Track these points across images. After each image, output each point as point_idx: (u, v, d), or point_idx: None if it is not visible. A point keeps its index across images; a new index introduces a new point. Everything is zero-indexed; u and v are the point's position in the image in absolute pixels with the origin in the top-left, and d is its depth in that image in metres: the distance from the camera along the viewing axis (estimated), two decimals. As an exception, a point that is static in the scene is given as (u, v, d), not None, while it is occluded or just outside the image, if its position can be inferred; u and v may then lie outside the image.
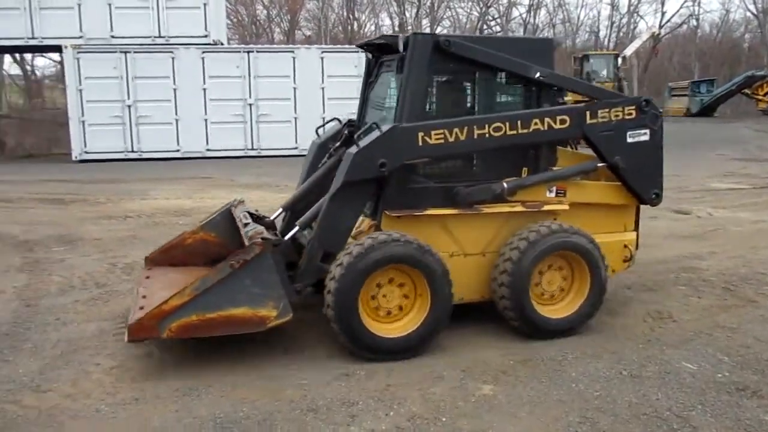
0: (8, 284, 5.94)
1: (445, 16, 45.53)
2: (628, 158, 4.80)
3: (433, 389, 3.81)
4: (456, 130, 4.40)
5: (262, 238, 4.23)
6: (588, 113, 4.71)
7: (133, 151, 16.89)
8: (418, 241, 4.24)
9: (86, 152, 16.81)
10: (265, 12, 43.09)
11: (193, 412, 3.57)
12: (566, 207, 4.74)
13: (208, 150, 16.87)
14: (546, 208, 4.70)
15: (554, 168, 4.81)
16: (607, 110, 4.74)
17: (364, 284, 4.16)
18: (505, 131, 4.49)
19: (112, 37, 16.83)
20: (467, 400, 3.68)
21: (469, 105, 4.86)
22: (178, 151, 16.83)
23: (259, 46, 20.05)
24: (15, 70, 35.17)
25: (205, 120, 16.88)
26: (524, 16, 46.36)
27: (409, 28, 40.67)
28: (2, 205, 10.41)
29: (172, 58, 16.67)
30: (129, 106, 16.71)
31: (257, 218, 5.11)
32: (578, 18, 48.44)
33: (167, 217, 9.20)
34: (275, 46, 23.93)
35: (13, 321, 5.00)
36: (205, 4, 17.01)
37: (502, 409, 3.59)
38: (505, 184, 4.55)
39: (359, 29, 42.91)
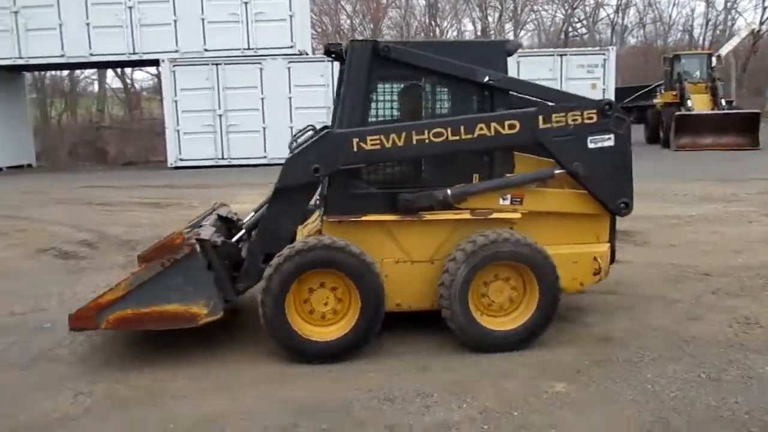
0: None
1: (528, 20, 45.02)
2: (590, 165, 4.47)
3: (506, 385, 3.88)
4: (393, 135, 4.30)
5: (197, 239, 4.38)
6: (541, 117, 4.42)
7: (223, 158, 17.72)
8: (349, 246, 4.20)
9: (180, 159, 17.81)
10: (348, 21, 44.06)
11: (276, 395, 3.82)
12: (518, 215, 4.49)
13: (293, 156, 17.43)
14: (495, 216, 4.47)
15: (508, 175, 4.57)
16: (563, 114, 4.44)
17: (291, 287, 4.19)
18: (447, 137, 4.33)
19: (205, 50, 17.75)
20: (539, 396, 3.74)
21: (417, 111, 4.69)
22: (264, 157, 17.53)
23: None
24: (116, 83, 37.61)
25: (291, 128, 17.48)
26: (612, 16, 45.16)
27: (492, 33, 40.44)
28: (106, 209, 11.26)
29: (260, 69, 17.41)
30: (220, 116, 17.57)
31: (229, 221, 5.44)
32: (670, 17, 46.59)
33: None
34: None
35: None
36: (291, 16, 17.66)
37: (574, 406, 3.62)
38: (449, 191, 4.39)
39: (441, 35, 43.07)
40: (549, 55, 18.52)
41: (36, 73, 27.30)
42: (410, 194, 4.39)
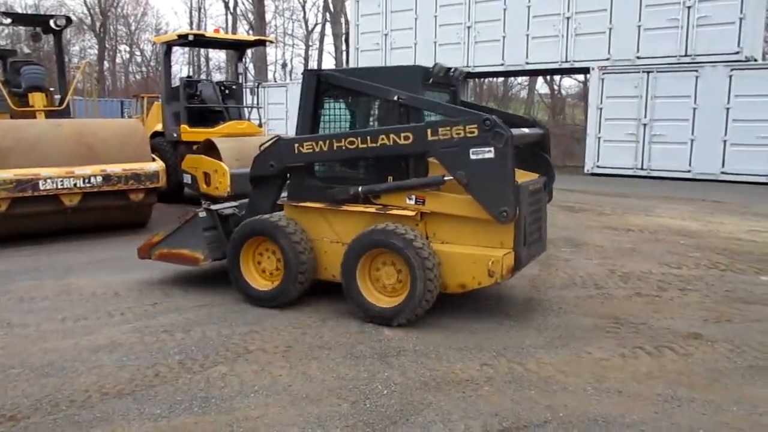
0: (525, 272, 6.97)
1: None
2: (472, 174, 4.86)
3: None
4: (320, 142, 5.44)
5: (205, 208, 6.19)
6: (429, 131, 5.00)
7: (642, 168, 17.16)
8: (279, 221, 5.59)
9: (598, 166, 17.86)
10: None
11: (671, 419, 3.67)
12: (411, 213, 5.24)
13: (722, 173, 15.89)
14: (395, 212, 5.29)
15: (414, 178, 5.29)
16: (448, 128, 4.92)
17: (242, 248, 5.78)
18: (357, 144, 5.25)
19: (637, 57, 17.36)
20: None
21: (351, 123, 5.82)
22: (689, 171, 16.35)
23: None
24: (544, 89, 39.50)
25: (725, 141, 15.91)
26: None
27: None
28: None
29: (696, 77, 16.24)
30: (644, 125, 17.03)
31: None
32: None
33: (670, 236, 9.18)
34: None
35: (522, 302, 5.92)
36: (741, 19, 15.98)
37: None
38: (359, 188, 5.37)
39: None
40: None
41: (476, 79, 30.51)
42: (336, 188, 5.48)
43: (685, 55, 16.75)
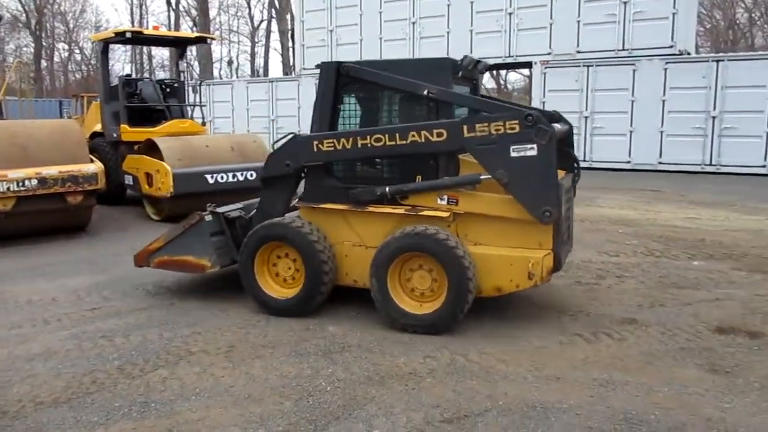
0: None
1: None
2: (513, 173, 4.64)
3: None
4: (343, 139, 5.10)
5: (211, 211, 5.72)
6: (465, 127, 4.75)
7: (585, 160, 17.58)
8: (294, 224, 5.23)
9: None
10: (746, 15, 39.08)
11: (606, 402, 3.79)
12: (444, 214, 4.95)
13: (660, 163, 16.43)
14: (426, 213, 4.99)
15: (446, 177, 5.03)
16: (486, 124, 4.69)
17: (257, 254, 5.37)
18: (385, 142, 4.94)
19: (578, 52, 17.77)
20: None
21: (376, 119, 5.47)
22: (629, 162, 16.85)
23: (732, 54, 18.40)
24: (491, 84, 40.10)
25: (661, 132, 16.45)
26: None
27: None
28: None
29: (634, 71, 16.73)
30: (586, 117, 17.46)
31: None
32: None
33: (610, 225, 9.46)
34: (751, 53, 21.57)
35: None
36: (674, 14, 16.53)
37: None
38: (386, 189, 5.05)
39: None
40: None
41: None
42: (359, 189, 5.17)
43: (623, 49, 17.24)
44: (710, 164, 15.93)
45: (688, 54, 17.37)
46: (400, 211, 5.08)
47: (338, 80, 5.30)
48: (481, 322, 5.17)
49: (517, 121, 4.62)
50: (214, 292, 6.14)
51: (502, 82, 39.84)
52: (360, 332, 4.98)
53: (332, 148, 5.16)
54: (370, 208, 5.18)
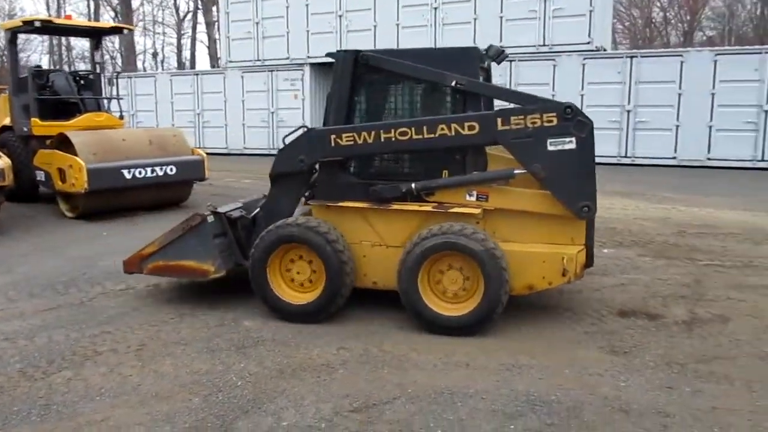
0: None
1: None
2: (550, 167, 4.53)
3: (768, 423, 3.45)
4: (364, 133, 4.80)
5: (212, 212, 5.30)
6: (499, 120, 4.58)
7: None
8: (310, 224, 4.86)
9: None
10: (661, 14, 40.87)
11: (511, 385, 3.93)
12: (475, 211, 4.75)
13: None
14: (456, 210, 4.76)
15: (475, 172, 4.83)
16: (521, 116, 4.55)
17: (270, 257, 4.95)
18: (411, 136, 4.69)
19: (501, 47, 18.12)
20: None
21: (397, 111, 5.13)
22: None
23: (644, 51, 19.24)
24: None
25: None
26: None
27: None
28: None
29: (554, 66, 17.25)
30: (509, 111, 17.88)
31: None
32: None
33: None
34: (662, 50, 22.66)
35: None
36: (591, 11, 17.12)
37: None
38: (412, 185, 4.80)
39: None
40: None
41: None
42: (380, 185, 4.89)
43: (544, 45, 17.74)
44: (626, 156, 16.62)
45: (605, 50, 18.04)
46: (427, 208, 4.83)
47: (356, 70, 5.00)
48: (399, 310, 5.22)
49: (555, 114, 4.51)
50: (126, 290, 5.98)
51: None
52: (276, 326, 4.96)
53: (352, 143, 4.86)
54: (394, 206, 4.92)
